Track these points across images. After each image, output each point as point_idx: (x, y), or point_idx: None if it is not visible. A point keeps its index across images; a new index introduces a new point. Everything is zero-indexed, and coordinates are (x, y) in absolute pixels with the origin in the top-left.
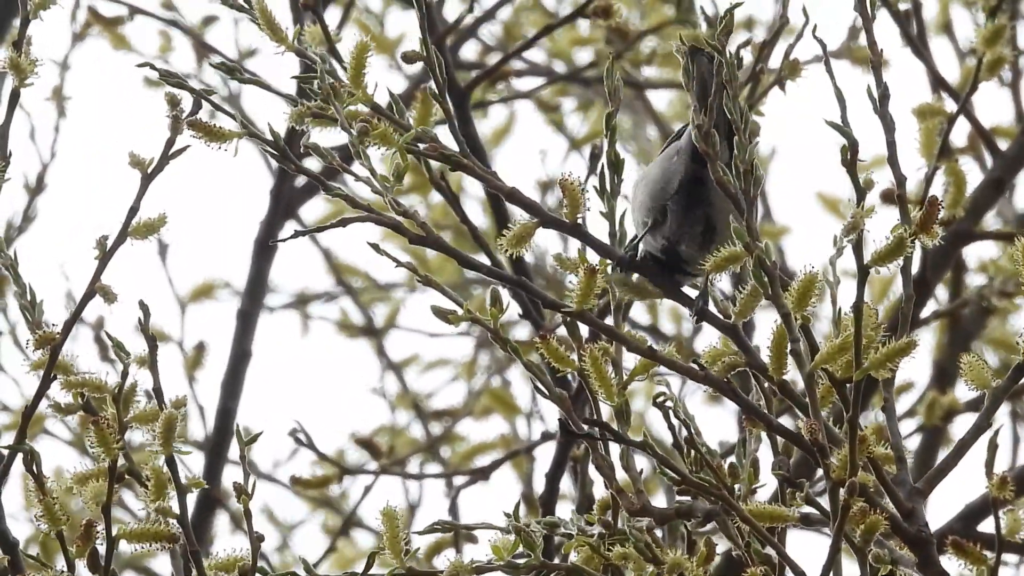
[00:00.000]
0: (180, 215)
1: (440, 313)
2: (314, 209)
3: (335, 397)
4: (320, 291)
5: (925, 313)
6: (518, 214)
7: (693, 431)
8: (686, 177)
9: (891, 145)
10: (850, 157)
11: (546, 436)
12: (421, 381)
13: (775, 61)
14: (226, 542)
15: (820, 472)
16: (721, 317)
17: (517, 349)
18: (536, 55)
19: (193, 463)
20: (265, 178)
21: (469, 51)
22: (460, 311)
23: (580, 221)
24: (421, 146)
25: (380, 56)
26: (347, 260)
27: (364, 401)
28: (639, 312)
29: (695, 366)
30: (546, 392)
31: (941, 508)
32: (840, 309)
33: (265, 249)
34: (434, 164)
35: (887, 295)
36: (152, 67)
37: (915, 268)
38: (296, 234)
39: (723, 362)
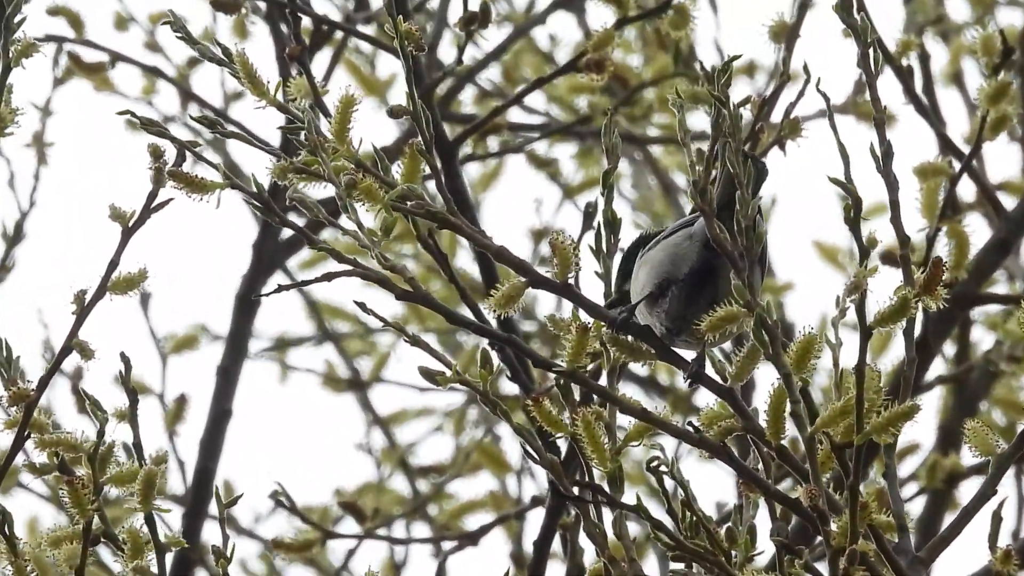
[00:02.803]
0: (162, 264)
1: (428, 374)
2: (299, 257)
3: (318, 451)
4: (302, 336)
5: (930, 376)
6: (508, 271)
7: (689, 496)
8: (697, 265)
9: (894, 205)
10: (853, 215)
11: (536, 501)
12: (408, 434)
13: (775, 114)
14: None
15: (819, 539)
16: (718, 379)
17: (507, 412)
18: (534, 99)
19: (172, 519)
20: (250, 227)
21: (466, 95)
22: (448, 372)
23: (571, 280)
24: (408, 203)
25: (370, 99)
26: (332, 303)
27: (349, 456)
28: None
29: (690, 429)
30: (536, 457)
31: None
32: (842, 371)
33: (247, 304)
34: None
35: (886, 349)
36: (133, 115)
37: (918, 330)
38: (279, 289)
39: (720, 425)
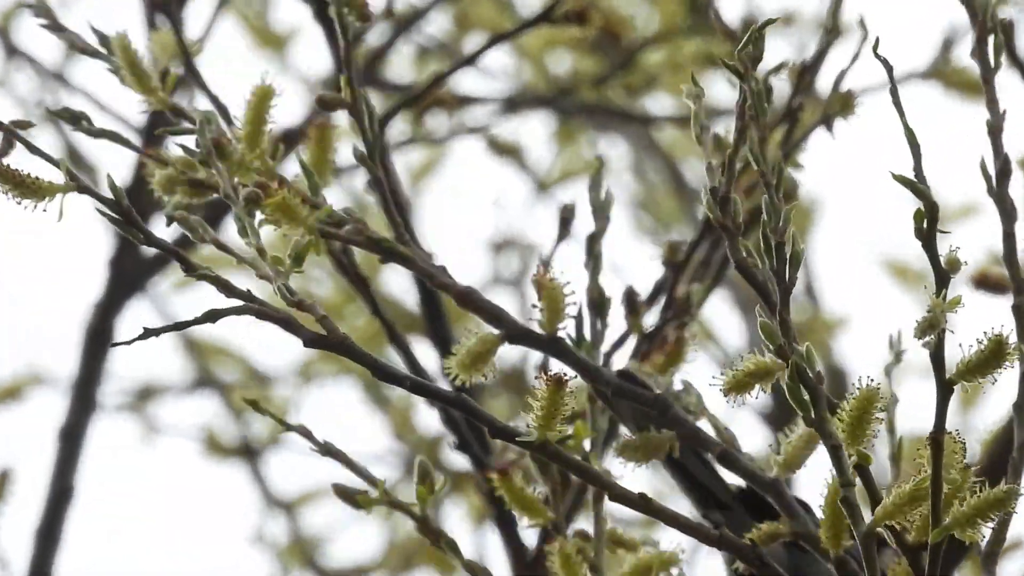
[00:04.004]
0: None
1: (345, 495)
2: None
3: (196, 543)
4: (174, 384)
5: None
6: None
7: None
8: None
9: (1009, 238)
10: (927, 226)
11: None
12: (319, 520)
13: (822, 82)
14: None
15: None
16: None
17: (455, 546)
18: (493, 61)
19: None
20: (104, 238)
21: (399, 54)
22: (373, 491)
23: (562, 333)
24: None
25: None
26: (214, 342)
27: (238, 550)
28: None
29: (711, 526)
30: None
31: None
32: (901, 439)
33: (98, 341)
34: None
35: (974, 404)
36: None
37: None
38: (146, 333)
39: (760, 529)
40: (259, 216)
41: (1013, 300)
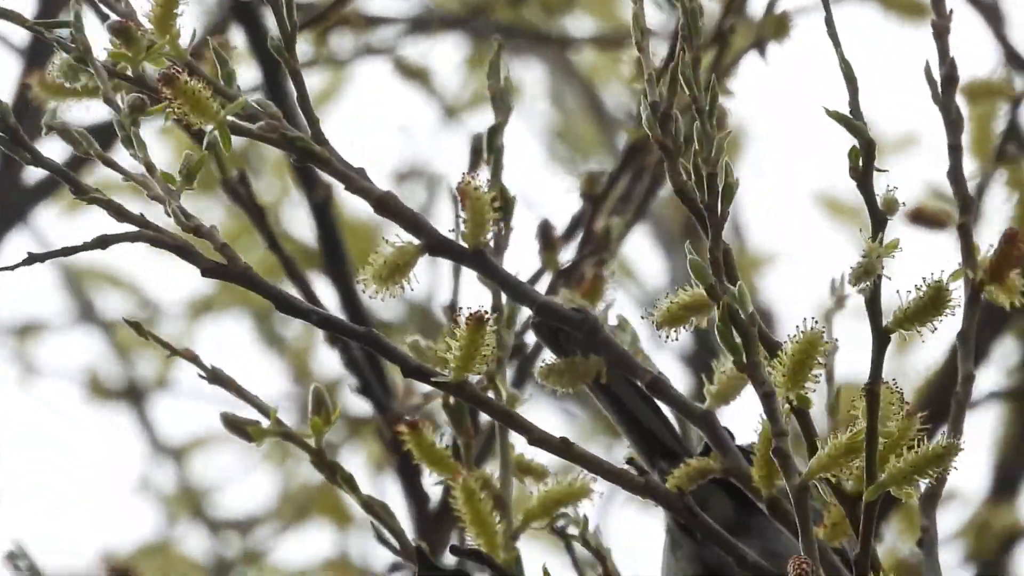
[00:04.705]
0: None
1: (235, 426)
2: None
3: (78, 491)
4: (55, 320)
5: (979, 390)
6: (381, 230)
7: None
8: None
9: (955, 151)
10: (863, 165)
11: (397, 567)
12: (210, 469)
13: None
14: None
15: None
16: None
17: (352, 481)
18: None
19: None
20: None
21: None
22: (266, 421)
23: (486, 246)
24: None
25: None
26: (100, 272)
27: (123, 500)
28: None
29: (632, 469)
30: (395, 546)
31: None
32: (839, 389)
33: None
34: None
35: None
36: None
37: (960, 322)
38: (31, 258)
39: (688, 466)
40: (153, 128)
41: (959, 219)
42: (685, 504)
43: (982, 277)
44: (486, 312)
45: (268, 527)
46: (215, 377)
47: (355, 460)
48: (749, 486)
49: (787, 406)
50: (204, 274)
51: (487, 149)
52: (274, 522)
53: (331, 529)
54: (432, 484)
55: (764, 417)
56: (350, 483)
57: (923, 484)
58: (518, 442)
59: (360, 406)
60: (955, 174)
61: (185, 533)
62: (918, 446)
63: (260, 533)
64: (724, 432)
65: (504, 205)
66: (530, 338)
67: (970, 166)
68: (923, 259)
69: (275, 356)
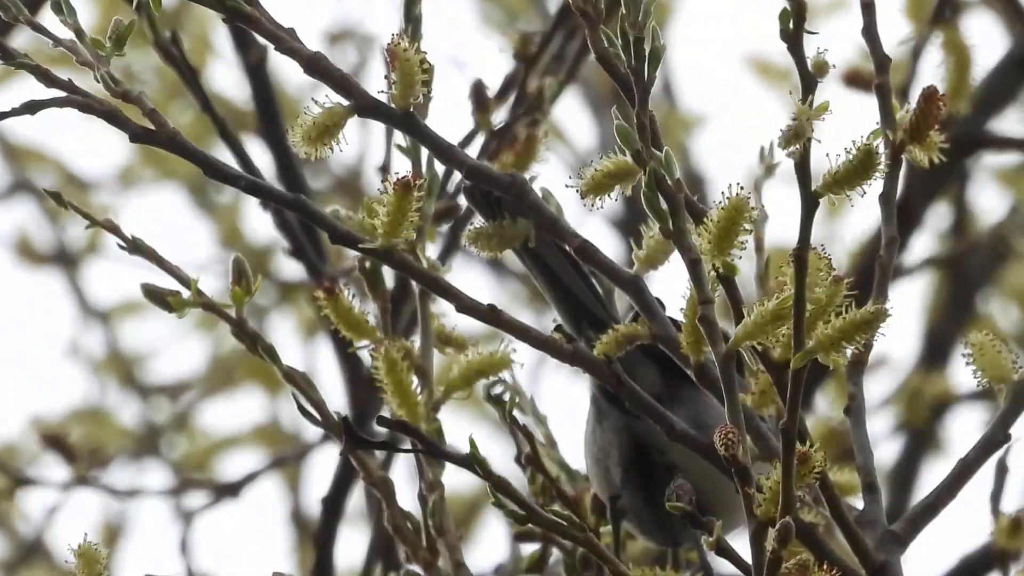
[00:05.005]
0: None
1: (155, 296)
2: None
3: (6, 356)
4: None
5: (911, 257)
6: (311, 92)
7: (545, 439)
8: (628, 458)
9: (868, 9)
10: (794, 27)
11: (328, 438)
12: (140, 335)
13: None
14: None
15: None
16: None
17: (272, 351)
18: None
19: None
20: None
21: None
22: (187, 293)
23: (416, 107)
24: None
25: None
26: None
27: (53, 366)
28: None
29: (560, 337)
30: (316, 417)
31: (928, 562)
32: (768, 259)
33: None
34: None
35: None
36: None
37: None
38: None
39: (616, 332)
40: None
41: (876, 79)
42: (612, 371)
43: (902, 137)
44: (414, 177)
45: (198, 392)
46: (136, 247)
47: (287, 325)
48: (677, 353)
49: (713, 273)
50: (132, 139)
51: (404, 19)
52: (204, 387)
53: (261, 395)
54: (350, 350)
55: (690, 286)
56: (271, 353)
57: (851, 351)
58: (447, 310)
59: (294, 270)
60: (869, 33)
61: (115, 398)
62: (847, 312)
63: (190, 398)
64: (652, 298)
65: (426, 70)
66: (462, 202)
67: (905, 29)
68: (859, 124)
69: (206, 221)
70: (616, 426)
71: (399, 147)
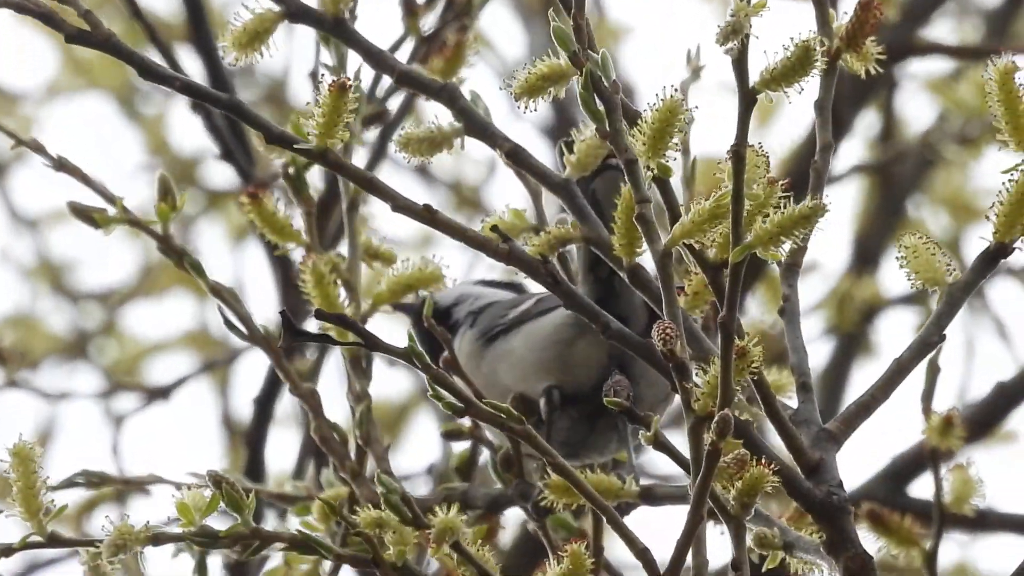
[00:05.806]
0: None
1: (81, 213)
2: None
3: None
4: None
5: (842, 164)
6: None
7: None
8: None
9: None
10: None
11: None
12: (70, 241)
13: None
14: None
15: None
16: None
17: (199, 266)
18: None
19: None
20: None
21: None
22: (112, 210)
23: (347, 15)
24: None
25: None
26: None
27: None
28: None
29: (495, 236)
30: (243, 332)
31: (861, 460)
32: (694, 161)
33: None
34: None
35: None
36: None
37: (820, 92)
38: None
39: (548, 234)
40: None
41: None
42: (548, 271)
43: (838, 45)
44: (348, 80)
45: (128, 299)
46: (61, 165)
47: (216, 231)
48: (609, 255)
49: (649, 174)
50: (68, 40)
51: None
52: (134, 294)
53: (191, 301)
54: (276, 252)
55: (627, 184)
56: (197, 268)
57: (788, 246)
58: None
59: (222, 176)
60: None
61: (45, 305)
62: (783, 210)
63: (119, 305)
64: (584, 201)
65: None
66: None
67: None
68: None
69: (134, 130)
70: (598, 343)
71: (325, 66)
